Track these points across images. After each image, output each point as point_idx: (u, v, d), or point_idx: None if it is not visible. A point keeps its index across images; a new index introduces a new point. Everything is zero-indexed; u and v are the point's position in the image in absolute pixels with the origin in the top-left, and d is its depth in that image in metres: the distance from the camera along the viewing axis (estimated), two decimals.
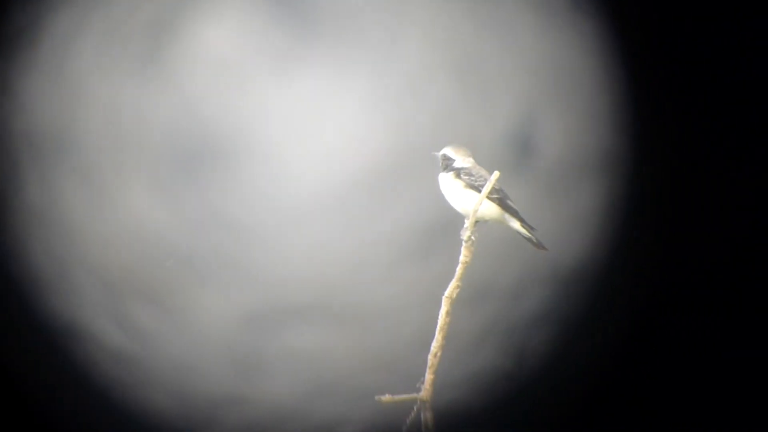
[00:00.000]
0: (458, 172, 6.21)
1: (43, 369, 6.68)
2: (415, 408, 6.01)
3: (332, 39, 6.77)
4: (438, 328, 6.02)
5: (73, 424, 6.67)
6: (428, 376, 6.02)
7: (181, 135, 6.75)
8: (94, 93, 6.71)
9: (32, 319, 6.67)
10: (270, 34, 6.76)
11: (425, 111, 6.81)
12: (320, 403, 6.79)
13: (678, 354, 6.48)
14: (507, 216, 6.18)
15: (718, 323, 6.38)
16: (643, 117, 6.69)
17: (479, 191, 6.09)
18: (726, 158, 6.50)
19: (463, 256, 6.03)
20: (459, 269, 6.03)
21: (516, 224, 6.20)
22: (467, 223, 6.06)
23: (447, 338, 5.99)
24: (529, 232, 6.19)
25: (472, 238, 6.03)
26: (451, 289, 6.02)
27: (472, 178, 6.17)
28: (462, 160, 6.26)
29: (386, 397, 5.97)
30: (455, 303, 5.99)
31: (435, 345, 6.02)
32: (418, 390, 6.02)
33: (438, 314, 5.99)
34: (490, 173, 5.99)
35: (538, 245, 6.21)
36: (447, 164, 6.26)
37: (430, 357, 6.01)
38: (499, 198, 6.15)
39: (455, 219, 6.18)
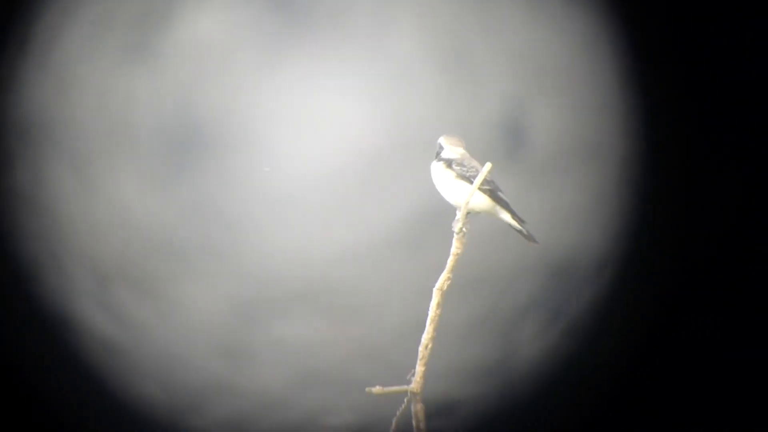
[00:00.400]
0: (450, 163, 6.17)
1: (31, 357, 6.65)
2: (405, 400, 6.00)
3: (323, 28, 6.73)
4: (429, 319, 6.00)
5: (61, 413, 6.65)
6: (419, 368, 6.00)
7: (171, 124, 6.71)
8: (85, 81, 6.66)
9: (22, 308, 6.64)
10: (261, 23, 6.71)
11: (415, 101, 6.78)
12: (309, 394, 6.78)
13: (670, 346, 6.49)
14: (498, 208, 6.15)
15: (712, 317, 6.39)
16: (634, 107, 6.67)
17: (471, 182, 6.06)
18: (716, 147, 6.50)
19: (455, 247, 6.01)
20: (450, 261, 6.01)
21: (507, 216, 6.17)
22: (459, 215, 6.03)
23: (437, 330, 5.97)
24: (519, 224, 6.16)
25: (464, 229, 6.01)
26: (442, 280, 6.00)
27: (464, 169, 6.13)
28: (454, 150, 6.23)
29: (377, 389, 5.95)
30: (446, 294, 5.98)
31: (426, 337, 6.00)
32: (409, 382, 6.00)
33: (428, 306, 5.98)
34: (482, 164, 5.96)
35: (529, 238, 6.18)
36: (440, 153, 6.23)
37: (420, 349, 5.99)
38: (491, 189, 6.11)
39: (446, 210, 6.14)
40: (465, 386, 6.72)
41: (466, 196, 6.03)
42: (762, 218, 5.93)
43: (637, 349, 6.58)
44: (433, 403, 6.10)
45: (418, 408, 6.01)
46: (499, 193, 6.14)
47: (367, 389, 5.92)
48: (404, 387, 6.01)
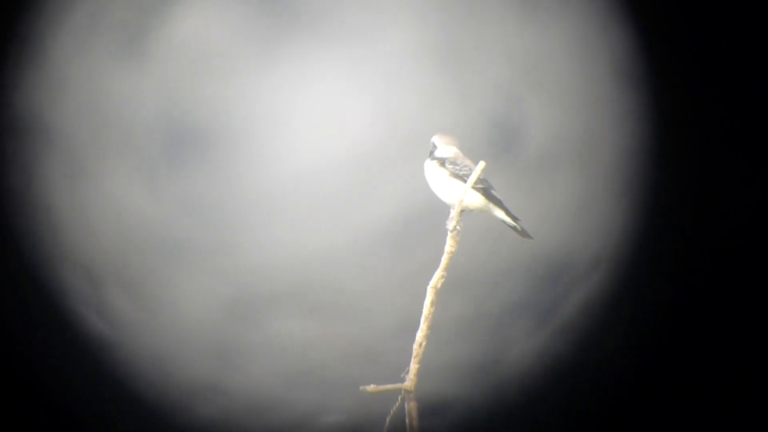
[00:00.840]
0: (443, 161, 6.19)
1: (22, 355, 6.61)
2: (399, 398, 6.00)
3: (314, 27, 6.72)
4: (423, 317, 6.00)
5: (53, 411, 6.61)
6: (413, 366, 6.01)
7: (162, 122, 6.68)
8: (77, 80, 6.62)
9: (13, 306, 6.60)
10: (252, 22, 6.70)
11: (407, 99, 6.78)
12: (301, 393, 6.77)
13: (664, 345, 6.52)
14: (491, 206, 6.17)
15: (706, 316, 6.42)
16: (628, 105, 6.70)
17: (464, 181, 6.07)
18: (710, 146, 6.53)
19: (449, 245, 6.02)
20: (444, 259, 6.02)
21: (500, 214, 6.19)
22: (452, 213, 6.05)
23: (431, 328, 5.98)
24: (513, 221, 6.18)
25: (458, 227, 6.02)
26: (436, 279, 6.01)
27: (457, 167, 6.15)
28: (447, 149, 6.24)
29: (371, 387, 5.95)
30: (439, 293, 5.99)
31: (420, 335, 6.00)
32: (403, 380, 6.01)
33: (420, 304, 5.99)
34: (475, 162, 5.98)
35: (524, 234, 6.20)
36: (433, 152, 6.24)
37: (414, 347, 6.00)
38: (484, 188, 6.14)
39: (439, 208, 6.16)
40: (457, 384, 6.72)
41: (459, 195, 6.04)
42: (755, 217, 5.96)
43: (631, 348, 6.61)
44: (427, 401, 6.11)
45: (411, 406, 6.01)
46: (493, 191, 6.16)
47: (361, 388, 5.92)
48: (398, 385, 6.01)
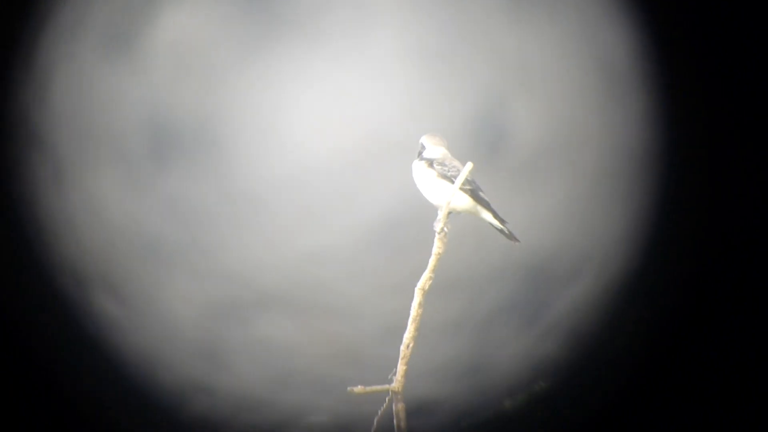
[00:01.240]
0: (431, 162, 6.19)
1: (9, 358, 6.59)
2: (387, 399, 6.00)
3: (301, 28, 6.71)
4: (411, 319, 6.00)
5: (39, 413, 6.59)
6: (400, 367, 6.01)
7: (147, 124, 6.66)
8: (62, 81, 6.59)
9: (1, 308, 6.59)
10: (239, 21, 6.68)
11: (394, 100, 6.78)
12: (289, 394, 6.76)
13: (651, 346, 6.53)
14: (479, 207, 6.17)
15: (695, 318, 6.44)
16: (616, 107, 6.71)
17: (452, 182, 6.07)
18: (700, 146, 6.54)
19: (437, 247, 6.02)
20: (432, 261, 6.02)
21: (488, 216, 6.19)
22: (440, 215, 6.05)
23: (419, 329, 5.99)
24: (501, 224, 6.19)
25: (445, 229, 6.02)
26: (423, 280, 6.01)
27: (445, 169, 6.14)
28: (436, 150, 6.24)
29: (358, 388, 5.95)
30: (427, 294, 5.99)
31: (407, 336, 6.01)
32: (390, 381, 6.01)
33: (407, 305, 5.99)
34: (463, 164, 5.98)
35: (510, 237, 6.20)
36: (421, 153, 6.24)
37: (402, 348, 6.00)
38: (472, 189, 6.13)
39: (427, 209, 6.16)
40: (443, 386, 6.73)
41: (447, 196, 6.05)
42: (743, 218, 5.97)
43: (617, 350, 6.62)
44: (414, 402, 6.12)
45: (399, 407, 6.01)
46: (480, 193, 6.15)
47: (348, 389, 5.92)
48: (386, 386, 6.01)
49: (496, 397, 6.00)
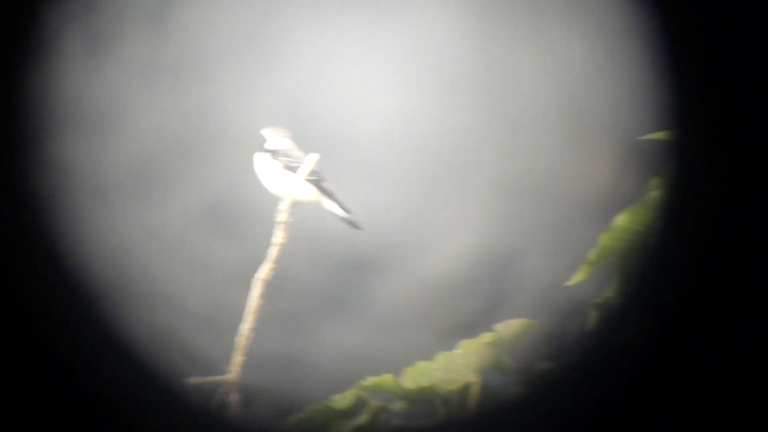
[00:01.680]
0: (275, 153, 6.21)
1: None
2: (221, 391, 5.94)
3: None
4: (251, 309, 5.97)
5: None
6: (237, 358, 5.96)
7: None
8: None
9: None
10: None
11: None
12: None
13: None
14: (323, 197, 6.22)
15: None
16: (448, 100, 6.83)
17: (295, 173, 6.12)
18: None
19: (279, 237, 6.02)
20: (273, 251, 6.01)
21: (332, 205, 6.25)
22: (283, 205, 6.06)
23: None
24: (345, 212, 6.26)
25: (289, 220, 6.04)
26: (265, 270, 6.00)
27: (290, 159, 6.18)
28: (280, 141, 6.26)
29: (194, 380, 5.87)
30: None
31: (246, 327, 5.97)
32: (224, 372, 5.95)
33: (244, 296, 5.97)
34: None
35: (354, 225, 6.28)
36: (264, 145, 6.24)
37: (238, 338, 5.96)
38: (316, 180, 6.18)
39: (267, 200, 6.16)
40: (273, 378, 6.69)
41: (291, 187, 6.09)
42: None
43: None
44: (248, 393, 6.06)
45: (235, 398, 5.97)
46: (324, 184, 6.21)
47: (184, 380, 5.82)
48: (221, 377, 5.95)
49: (324, 391, 5.98)
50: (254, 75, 6.70)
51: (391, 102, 6.68)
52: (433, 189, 6.72)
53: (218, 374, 5.95)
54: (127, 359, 5.84)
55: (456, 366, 5.16)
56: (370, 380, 5.31)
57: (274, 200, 6.12)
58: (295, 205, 6.11)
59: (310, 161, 6.06)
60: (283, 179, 6.15)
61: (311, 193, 6.18)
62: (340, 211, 6.26)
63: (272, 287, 6.33)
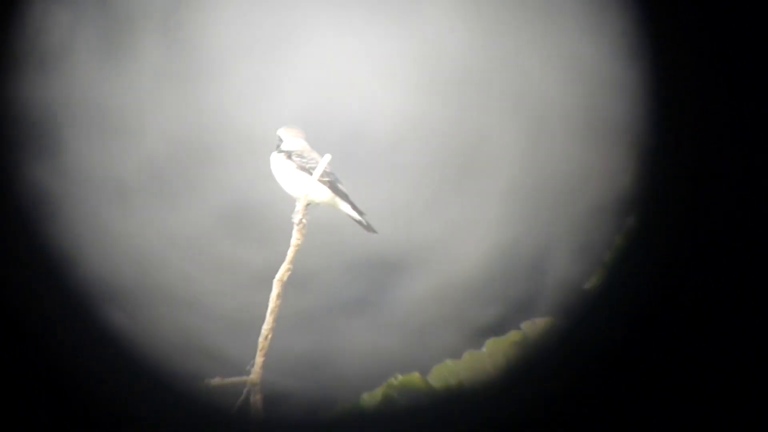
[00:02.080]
0: (290, 154, 6.24)
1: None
2: (245, 391, 5.98)
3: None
4: (269, 310, 6.01)
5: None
6: (258, 359, 6.00)
7: None
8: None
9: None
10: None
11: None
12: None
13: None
14: (338, 199, 6.26)
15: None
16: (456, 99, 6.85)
17: (311, 174, 6.15)
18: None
19: (295, 238, 6.06)
20: (290, 252, 6.05)
21: (346, 207, 6.29)
22: (299, 206, 6.10)
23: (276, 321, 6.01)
24: (359, 215, 6.30)
25: (303, 221, 6.07)
26: (282, 271, 6.04)
27: (304, 160, 6.21)
28: (294, 142, 6.29)
29: (216, 381, 5.91)
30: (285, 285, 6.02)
31: (266, 327, 6.01)
32: (248, 373, 6.00)
33: (264, 297, 6.00)
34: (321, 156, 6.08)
35: (368, 228, 6.32)
36: (279, 145, 6.27)
37: (260, 340, 6.00)
38: (330, 181, 6.22)
39: (285, 201, 6.19)
40: (297, 378, 6.74)
41: (306, 188, 6.12)
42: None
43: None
44: (270, 394, 6.11)
45: (257, 399, 6.01)
46: (339, 185, 6.25)
47: (205, 381, 5.87)
48: (243, 378, 6.00)
49: (351, 390, 6.02)
50: (270, 76, 6.73)
51: (409, 102, 6.72)
52: (456, 190, 6.76)
53: (241, 375, 6.01)
54: (149, 361, 5.90)
55: (483, 365, 5.23)
56: (399, 379, 5.37)
57: (293, 201, 6.17)
58: (313, 207, 6.17)
59: (324, 162, 6.10)
60: (297, 180, 6.19)
61: (326, 194, 6.22)
62: (354, 214, 6.32)
63: (300, 288, 6.41)
